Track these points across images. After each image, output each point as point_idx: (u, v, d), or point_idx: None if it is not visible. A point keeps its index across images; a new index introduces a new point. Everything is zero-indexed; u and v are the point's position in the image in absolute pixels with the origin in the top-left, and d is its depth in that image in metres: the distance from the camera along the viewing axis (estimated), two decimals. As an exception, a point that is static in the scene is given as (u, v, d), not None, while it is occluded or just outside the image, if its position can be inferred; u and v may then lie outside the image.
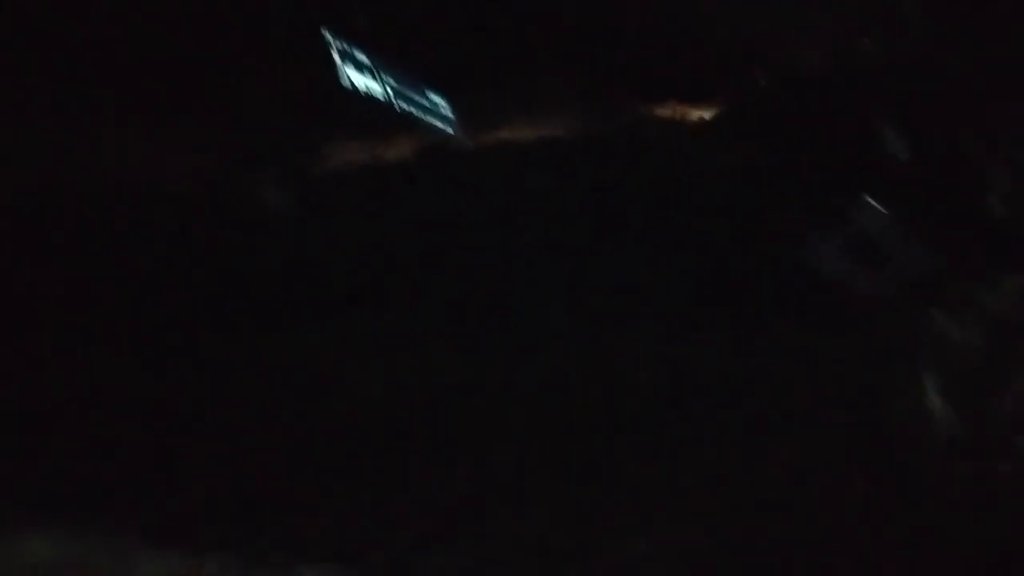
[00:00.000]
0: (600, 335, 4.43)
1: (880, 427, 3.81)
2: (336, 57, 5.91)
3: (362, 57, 6.05)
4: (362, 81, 6.04)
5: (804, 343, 4.31)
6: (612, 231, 4.94)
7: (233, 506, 3.55)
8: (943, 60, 5.05)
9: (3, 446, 3.65)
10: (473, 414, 4.00)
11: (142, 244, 4.63)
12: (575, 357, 4.32)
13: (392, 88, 6.21)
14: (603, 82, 5.66)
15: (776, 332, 4.39)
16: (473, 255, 4.91)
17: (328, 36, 5.86)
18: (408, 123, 5.60)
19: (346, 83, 5.88)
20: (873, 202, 4.68)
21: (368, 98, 5.94)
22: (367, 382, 4.17)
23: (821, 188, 4.92)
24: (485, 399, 4.07)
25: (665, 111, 5.64)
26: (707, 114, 5.57)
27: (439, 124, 6.37)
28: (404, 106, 6.20)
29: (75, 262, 4.39)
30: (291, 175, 5.30)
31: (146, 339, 4.24)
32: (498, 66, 5.80)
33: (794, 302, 4.47)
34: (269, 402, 4.01)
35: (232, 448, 3.77)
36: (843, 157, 5.03)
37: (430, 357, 4.32)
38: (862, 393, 3.99)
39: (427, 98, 6.36)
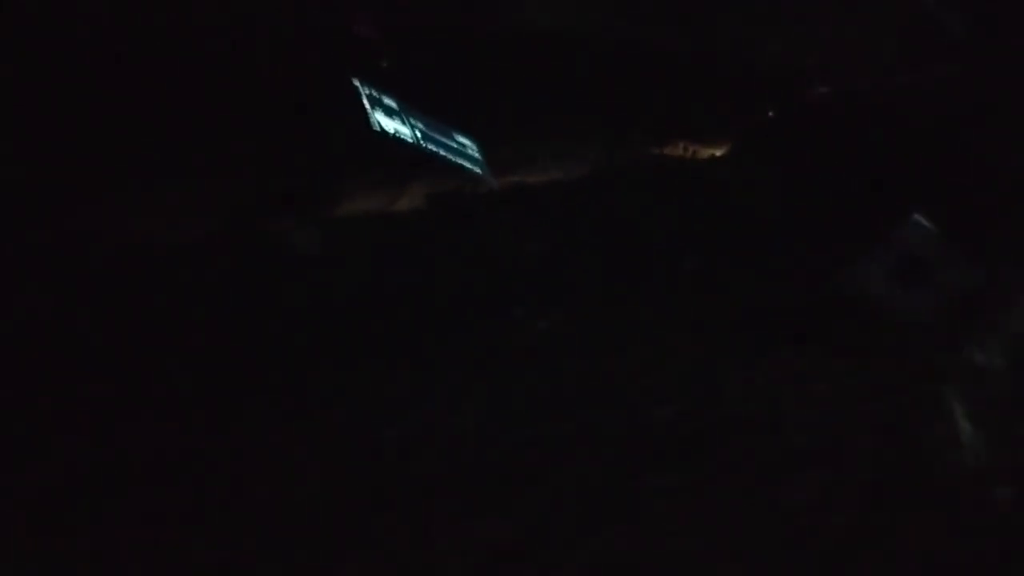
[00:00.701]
0: (624, 374, 4.38)
1: (910, 455, 3.72)
2: (366, 103, 6.06)
3: (391, 103, 6.19)
4: (391, 125, 6.18)
5: (831, 372, 4.24)
6: (635, 269, 4.91)
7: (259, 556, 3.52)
8: (981, 80, 5.00)
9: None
10: (499, 458, 3.95)
11: (169, 291, 4.70)
12: (600, 396, 4.28)
13: (420, 131, 6.34)
14: (616, 125, 5.69)
15: (803, 362, 4.32)
16: (496, 296, 4.90)
17: (358, 84, 6.01)
18: (428, 168, 5.66)
19: (376, 127, 6.02)
20: (921, 219, 4.63)
21: (397, 141, 6.07)
22: (391, 427, 4.14)
23: (861, 211, 4.86)
24: (511, 443, 4.02)
25: (676, 150, 5.67)
26: (718, 151, 5.59)
27: (467, 165, 6.46)
28: (432, 148, 6.31)
29: (110, 312, 4.47)
30: (314, 220, 5.38)
31: (173, 390, 4.28)
32: (518, 113, 5.87)
33: (820, 332, 4.42)
34: (294, 448, 3.99)
35: (257, 495, 3.75)
36: (881, 177, 4.98)
37: (454, 400, 4.28)
38: (891, 421, 3.90)
39: (455, 140, 6.47)
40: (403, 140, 6.20)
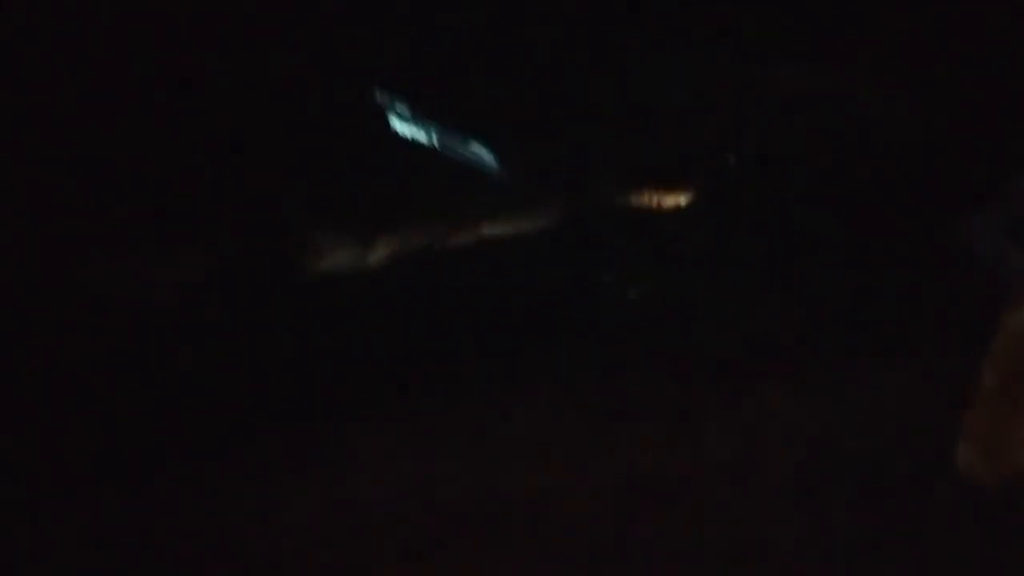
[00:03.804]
0: (599, 426, 4.25)
1: (901, 488, 3.46)
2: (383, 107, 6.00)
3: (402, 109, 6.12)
4: (406, 129, 6.12)
5: (812, 406, 4.08)
6: (605, 321, 4.90)
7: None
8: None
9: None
10: (478, 514, 3.77)
11: (133, 356, 4.59)
12: (580, 447, 4.13)
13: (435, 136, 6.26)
14: (577, 173, 5.67)
15: (784, 396, 4.19)
16: (466, 352, 4.82)
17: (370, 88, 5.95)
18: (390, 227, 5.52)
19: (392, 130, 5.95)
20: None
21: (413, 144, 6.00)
22: (372, 490, 4.01)
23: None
24: (489, 499, 3.89)
25: (641, 198, 5.66)
26: (682, 199, 5.58)
27: (483, 166, 6.35)
28: (449, 152, 6.23)
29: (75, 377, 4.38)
30: (280, 279, 5.29)
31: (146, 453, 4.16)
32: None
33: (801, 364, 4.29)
34: (271, 514, 3.87)
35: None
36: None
37: (430, 457, 4.15)
38: (882, 451, 3.68)
39: (470, 147, 6.38)
40: (420, 143, 6.15)
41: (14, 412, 4.20)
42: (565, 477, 4.01)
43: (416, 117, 6.19)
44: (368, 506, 3.93)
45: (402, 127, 6.16)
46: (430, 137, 6.33)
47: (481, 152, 6.49)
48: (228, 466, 4.10)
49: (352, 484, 4.13)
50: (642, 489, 3.90)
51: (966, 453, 3.26)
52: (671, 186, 5.74)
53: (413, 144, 6.10)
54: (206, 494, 3.97)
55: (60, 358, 4.49)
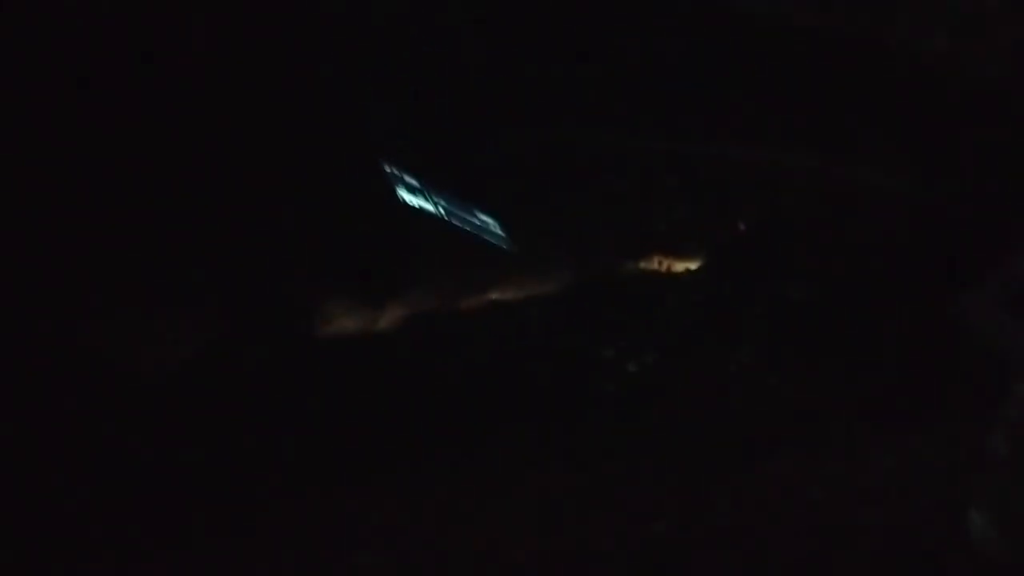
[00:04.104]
0: (608, 493, 4.24)
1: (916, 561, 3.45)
2: (391, 179, 6.10)
3: (412, 180, 6.23)
4: (415, 200, 6.21)
5: (825, 476, 4.09)
6: (617, 390, 4.91)
7: None
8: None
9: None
10: None
11: (143, 421, 4.59)
12: (588, 519, 4.13)
13: (443, 207, 6.35)
14: (587, 239, 5.76)
15: (796, 466, 4.19)
16: (474, 417, 4.84)
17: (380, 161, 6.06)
18: (400, 291, 5.60)
19: (402, 201, 6.05)
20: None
21: (423, 214, 6.09)
22: (379, 554, 3.99)
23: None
24: (502, 567, 3.86)
25: (651, 264, 5.75)
26: (692, 264, 5.67)
27: (491, 240, 6.43)
28: (456, 222, 6.32)
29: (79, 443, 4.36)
30: (288, 343, 5.32)
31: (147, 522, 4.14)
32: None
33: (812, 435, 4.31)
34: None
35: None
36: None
37: (443, 522, 4.14)
38: (893, 524, 3.66)
39: (477, 216, 6.46)
40: (429, 213, 6.25)
41: (13, 479, 4.18)
42: (575, 543, 3.99)
43: (425, 188, 6.31)
44: (375, 571, 3.89)
45: (412, 198, 6.27)
46: (438, 207, 6.44)
47: (488, 221, 6.60)
48: (226, 533, 4.07)
49: (358, 549, 4.09)
50: (653, 555, 3.88)
51: (979, 522, 3.28)
52: (679, 253, 5.86)
53: (422, 213, 6.20)
54: (202, 561, 3.93)
55: (61, 423, 4.48)
